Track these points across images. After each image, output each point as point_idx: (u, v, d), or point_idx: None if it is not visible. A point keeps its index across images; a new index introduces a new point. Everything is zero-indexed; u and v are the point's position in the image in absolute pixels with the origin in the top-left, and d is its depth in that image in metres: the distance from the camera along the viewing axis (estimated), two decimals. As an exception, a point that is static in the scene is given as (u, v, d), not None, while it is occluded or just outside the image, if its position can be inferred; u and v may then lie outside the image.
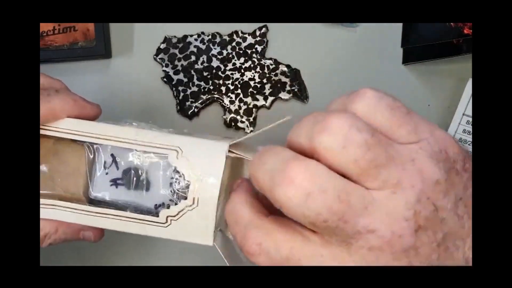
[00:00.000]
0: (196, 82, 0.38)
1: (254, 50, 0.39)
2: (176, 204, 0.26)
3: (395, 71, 0.38)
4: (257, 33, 0.39)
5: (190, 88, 0.38)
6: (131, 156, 0.27)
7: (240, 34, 0.39)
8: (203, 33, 0.39)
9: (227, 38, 0.39)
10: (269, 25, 0.39)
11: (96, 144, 0.27)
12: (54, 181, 0.27)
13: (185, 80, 0.39)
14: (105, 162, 0.27)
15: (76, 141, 0.27)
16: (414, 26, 0.38)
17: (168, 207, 0.26)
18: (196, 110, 0.38)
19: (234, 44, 0.39)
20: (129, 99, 0.39)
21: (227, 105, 0.38)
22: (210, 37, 0.39)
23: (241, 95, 0.38)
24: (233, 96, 0.38)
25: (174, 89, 0.39)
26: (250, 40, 0.39)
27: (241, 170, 0.29)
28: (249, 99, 0.38)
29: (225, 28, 0.39)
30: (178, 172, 0.26)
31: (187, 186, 0.26)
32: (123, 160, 0.27)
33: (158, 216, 0.26)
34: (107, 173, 0.27)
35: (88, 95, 0.39)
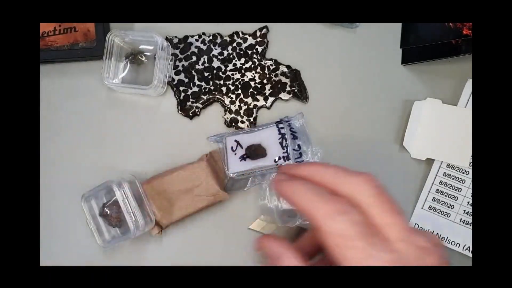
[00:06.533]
0: (197, 82, 0.39)
1: (254, 50, 0.39)
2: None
3: (394, 71, 0.38)
4: (258, 33, 0.39)
5: (191, 88, 0.39)
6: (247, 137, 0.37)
7: (241, 35, 0.39)
8: (204, 33, 0.39)
9: (228, 39, 0.39)
10: (270, 25, 0.39)
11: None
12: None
13: (186, 80, 0.39)
14: (231, 147, 0.37)
15: None
16: (413, 26, 0.38)
17: (284, 159, 0.36)
18: (197, 110, 0.38)
19: (234, 44, 0.39)
20: (130, 99, 0.39)
21: (228, 105, 0.38)
22: (211, 37, 0.39)
23: (242, 96, 0.38)
24: (233, 96, 0.38)
25: (175, 89, 0.39)
26: (250, 40, 0.39)
27: None
28: (249, 99, 0.38)
29: (225, 29, 0.39)
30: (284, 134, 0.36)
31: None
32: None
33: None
34: (235, 154, 0.37)
35: (88, 96, 0.39)
